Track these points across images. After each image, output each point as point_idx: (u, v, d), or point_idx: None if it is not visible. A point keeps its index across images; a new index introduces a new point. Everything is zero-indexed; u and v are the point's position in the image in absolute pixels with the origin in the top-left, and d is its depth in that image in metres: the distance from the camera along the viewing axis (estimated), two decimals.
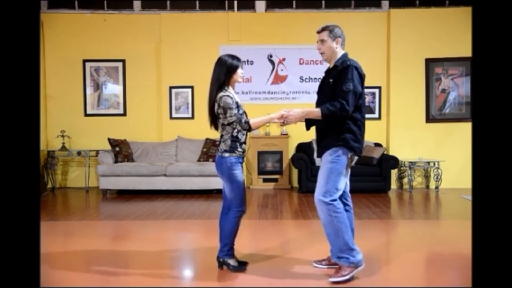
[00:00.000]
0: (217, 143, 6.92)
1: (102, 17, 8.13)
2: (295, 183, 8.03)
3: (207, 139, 7.64)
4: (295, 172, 7.94)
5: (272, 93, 8.12)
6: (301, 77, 8.13)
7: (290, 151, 7.92)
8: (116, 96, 8.25)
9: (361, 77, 3.11)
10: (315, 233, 4.85)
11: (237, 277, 3.28)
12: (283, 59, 8.13)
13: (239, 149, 3.23)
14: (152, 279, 3.22)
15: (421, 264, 3.65)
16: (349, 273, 3.07)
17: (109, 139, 7.55)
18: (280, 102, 7.98)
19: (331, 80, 3.13)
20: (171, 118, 8.14)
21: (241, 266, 3.33)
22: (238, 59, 3.26)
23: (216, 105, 3.16)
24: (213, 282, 3.19)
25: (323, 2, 8.19)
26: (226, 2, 8.21)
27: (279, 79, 8.14)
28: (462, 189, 7.47)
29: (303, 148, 7.69)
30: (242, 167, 3.30)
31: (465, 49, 7.54)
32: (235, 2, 8.14)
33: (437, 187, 7.57)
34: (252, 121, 3.16)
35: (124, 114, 8.21)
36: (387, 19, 8.00)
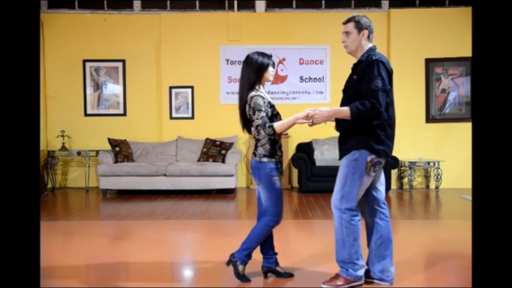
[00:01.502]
0: (221, 144, 6.79)
1: (102, 17, 8.12)
2: (295, 183, 8.03)
3: (207, 139, 7.64)
4: (295, 172, 7.94)
5: (272, 93, 8.10)
6: (301, 77, 8.13)
7: (290, 151, 7.91)
8: (116, 96, 8.24)
9: (389, 72, 2.86)
10: (315, 233, 4.85)
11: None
12: (283, 59, 8.13)
13: (278, 153, 3.03)
14: (152, 279, 3.22)
15: (421, 264, 3.65)
16: (343, 284, 2.91)
17: (109, 139, 7.55)
18: (280, 102, 7.96)
19: (355, 77, 2.88)
20: (171, 118, 8.13)
21: (246, 278, 3.09)
22: (268, 56, 3.06)
23: (247, 106, 2.98)
24: (213, 282, 3.19)
25: (323, 2, 8.19)
26: (226, 2, 8.21)
27: (279, 79, 8.14)
28: (462, 189, 7.47)
29: (303, 148, 7.69)
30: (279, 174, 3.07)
31: (465, 49, 7.52)
32: (235, 2, 8.14)
33: (437, 187, 7.56)
34: (276, 124, 2.93)
35: (124, 114, 8.21)
36: (387, 19, 8.00)
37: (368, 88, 2.76)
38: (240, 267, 3.08)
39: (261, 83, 3.08)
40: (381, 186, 3.05)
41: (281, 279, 3.15)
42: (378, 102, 2.73)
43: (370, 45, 2.92)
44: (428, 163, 7.58)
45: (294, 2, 8.23)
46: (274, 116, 3.02)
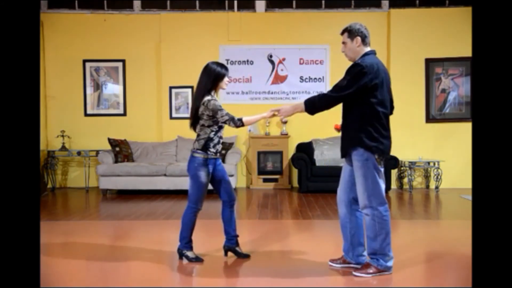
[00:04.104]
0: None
1: (102, 17, 8.12)
2: (295, 183, 8.03)
3: None
4: (295, 172, 7.94)
5: (272, 93, 8.12)
6: (301, 77, 8.13)
7: (290, 151, 7.91)
8: (116, 96, 8.24)
9: (363, 75, 2.98)
10: (315, 233, 4.85)
11: (236, 276, 3.29)
12: (283, 59, 8.13)
13: (211, 150, 3.43)
14: (152, 279, 3.22)
15: (421, 264, 3.65)
16: (374, 273, 3.13)
17: (109, 139, 7.55)
18: (280, 102, 7.96)
19: None
20: (171, 118, 8.14)
21: (198, 258, 3.51)
22: (226, 68, 3.46)
23: (203, 107, 3.35)
24: (213, 282, 3.19)
25: (323, 2, 8.19)
26: (226, 2, 8.21)
27: (279, 79, 8.14)
28: (462, 189, 7.47)
29: (303, 148, 7.69)
30: (209, 168, 3.46)
31: (465, 49, 7.52)
32: (235, 2, 8.14)
33: (437, 187, 7.56)
34: (246, 118, 3.41)
35: (124, 114, 8.21)
36: (387, 19, 7.99)
37: (335, 85, 3.14)
38: (189, 253, 3.52)
39: (216, 90, 3.48)
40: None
41: (281, 279, 3.16)
42: (330, 92, 3.11)
43: (366, 49, 3.17)
44: (428, 163, 7.57)
45: (294, 2, 8.22)
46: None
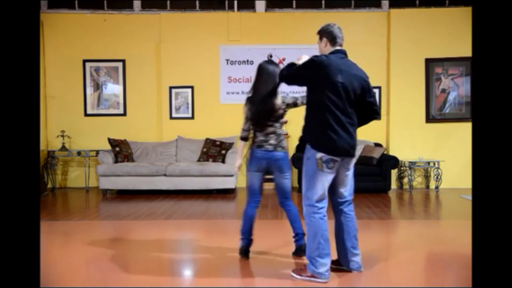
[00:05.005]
0: (221, 144, 6.90)
1: (102, 17, 8.12)
2: (295, 183, 8.02)
3: (207, 139, 7.64)
4: (295, 172, 7.92)
5: None
6: None
7: (290, 151, 7.90)
8: (116, 96, 8.24)
9: (310, 67, 3.05)
10: None
11: (236, 276, 3.28)
12: (283, 59, 8.13)
13: None
14: (152, 279, 3.22)
15: (421, 264, 3.65)
16: (306, 277, 3.08)
17: (109, 139, 7.55)
18: None
19: None
20: (171, 118, 8.13)
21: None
22: (278, 65, 3.61)
23: (284, 105, 3.51)
24: (213, 281, 3.19)
25: (323, 2, 8.18)
26: (226, 2, 8.21)
27: None
28: (462, 189, 7.47)
29: (303, 148, 7.66)
30: None
31: (465, 49, 7.52)
32: (235, 2, 8.14)
33: (437, 187, 7.56)
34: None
35: (124, 114, 8.21)
36: (387, 19, 7.99)
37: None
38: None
39: None
40: (343, 189, 3.20)
41: (281, 279, 3.16)
42: (284, 73, 3.24)
43: (332, 49, 3.17)
44: (428, 163, 7.57)
45: (294, 2, 8.22)
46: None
